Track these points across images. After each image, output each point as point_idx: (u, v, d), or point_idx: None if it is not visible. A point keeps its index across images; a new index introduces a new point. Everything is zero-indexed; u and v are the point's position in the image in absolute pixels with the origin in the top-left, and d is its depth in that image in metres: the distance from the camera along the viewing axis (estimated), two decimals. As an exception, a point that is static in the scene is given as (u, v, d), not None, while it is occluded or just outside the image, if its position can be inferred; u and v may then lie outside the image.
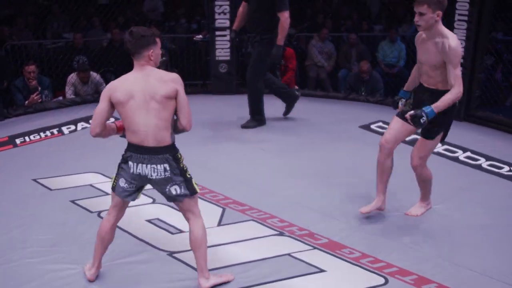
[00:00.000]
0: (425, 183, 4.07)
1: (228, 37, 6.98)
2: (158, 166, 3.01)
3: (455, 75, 3.60)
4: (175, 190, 3.06)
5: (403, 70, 8.32)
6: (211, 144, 5.46)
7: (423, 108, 3.59)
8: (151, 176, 3.02)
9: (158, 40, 3.04)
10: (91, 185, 4.51)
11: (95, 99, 6.86)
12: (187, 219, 3.17)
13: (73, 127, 5.97)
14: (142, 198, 4.18)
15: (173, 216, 3.95)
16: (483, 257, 3.60)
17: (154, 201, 4.20)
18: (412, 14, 9.34)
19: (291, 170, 4.87)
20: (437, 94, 3.69)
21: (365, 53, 8.50)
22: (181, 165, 3.07)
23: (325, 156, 5.19)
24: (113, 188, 3.14)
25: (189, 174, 3.11)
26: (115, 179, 3.13)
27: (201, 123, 5.91)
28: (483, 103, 6.61)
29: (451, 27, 6.11)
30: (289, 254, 3.54)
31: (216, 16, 6.91)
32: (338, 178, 4.74)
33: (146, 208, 4.10)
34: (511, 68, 7.27)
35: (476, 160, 5.21)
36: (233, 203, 4.21)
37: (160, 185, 3.06)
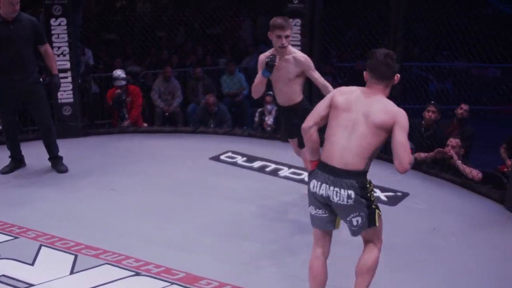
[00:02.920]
0: None
1: (70, 79, 6.81)
2: (343, 191, 2.88)
3: (317, 77, 4.38)
4: (356, 221, 2.97)
5: (246, 101, 8.64)
6: (58, 189, 5.25)
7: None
8: (332, 198, 2.91)
9: None
10: None
11: None
12: (365, 244, 3.14)
13: None
14: (-16, 255, 3.96)
15: (20, 271, 3.75)
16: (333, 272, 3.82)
17: (-2, 257, 3.96)
18: (255, 45, 9.69)
19: (143, 208, 4.83)
20: (296, 108, 4.45)
21: (210, 86, 8.71)
22: (369, 195, 2.94)
23: (176, 190, 5.20)
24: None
25: (374, 205, 2.99)
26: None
27: (44, 168, 5.69)
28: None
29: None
30: (146, 294, 3.51)
31: (56, 58, 6.70)
32: (191, 211, 4.79)
33: (-10, 265, 3.84)
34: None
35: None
36: (85, 248, 4.07)
37: (345, 212, 2.95)
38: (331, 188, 2.88)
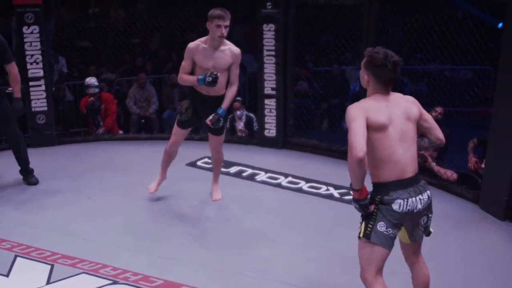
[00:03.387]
0: (219, 165, 5.07)
1: (43, 87, 6.74)
2: (424, 194, 2.85)
3: (237, 74, 4.51)
4: (423, 220, 2.95)
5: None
6: (33, 199, 5.18)
7: (218, 112, 4.46)
8: (417, 208, 2.83)
9: None
10: None
11: None
12: (414, 260, 3.11)
13: None
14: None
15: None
16: (308, 274, 3.85)
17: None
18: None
19: (119, 216, 4.79)
20: (219, 99, 4.50)
21: (186, 92, 8.67)
22: None
23: (153, 198, 5.17)
24: (368, 236, 2.84)
25: None
26: (367, 227, 2.85)
27: (18, 178, 5.61)
28: (301, 129, 7.09)
29: (261, 63, 6.54)
30: (124, 302, 3.49)
31: (29, 66, 6.63)
32: (167, 218, 4.78)
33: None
34: (319, 96, 7.89)
35: (297, 183, 5.55)
36: (61, 258, 4.03)
37: (420, 216, 2.89)
38: (416, 198, 2.83)
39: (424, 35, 6.74)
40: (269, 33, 6.41)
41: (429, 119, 2.95)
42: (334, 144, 6.56)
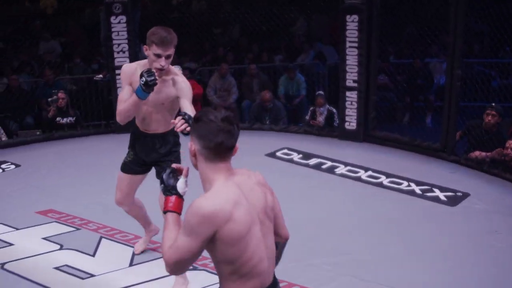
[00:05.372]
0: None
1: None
2: None
3: (193, 109, 3.20)
4: None
5: (304, 99, 8.54)
6: (114, 183, 5.34)
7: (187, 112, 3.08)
8: None
9: None
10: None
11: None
12: None
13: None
14: (49, 245, 4.10)
15: (82, 261, 3.87)
16: (383, 270, 3.78)
17: (61, 247, 4.08)
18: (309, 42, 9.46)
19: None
20: (160, 137, 3.54)
21: (266, 83, 8.69)
22: None
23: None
24: None
25: None
26: None
27: (109, 163, 5.80)
28: (383, 122, 6.95)
29: (343, 54, 6.45)
30: (204, 289, 3.53)
31: (115, 55, 6.88)
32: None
33: (54, 255, 3.96)
34: (402, 89, 7.71)
35: (377, 178, 5.45)
36: (144, 242, 4.16)
37: None
38: None
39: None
40: (352, 24, 6.30)
41: (279, 213, 2.18)
42: (416, 138, 6.38)
